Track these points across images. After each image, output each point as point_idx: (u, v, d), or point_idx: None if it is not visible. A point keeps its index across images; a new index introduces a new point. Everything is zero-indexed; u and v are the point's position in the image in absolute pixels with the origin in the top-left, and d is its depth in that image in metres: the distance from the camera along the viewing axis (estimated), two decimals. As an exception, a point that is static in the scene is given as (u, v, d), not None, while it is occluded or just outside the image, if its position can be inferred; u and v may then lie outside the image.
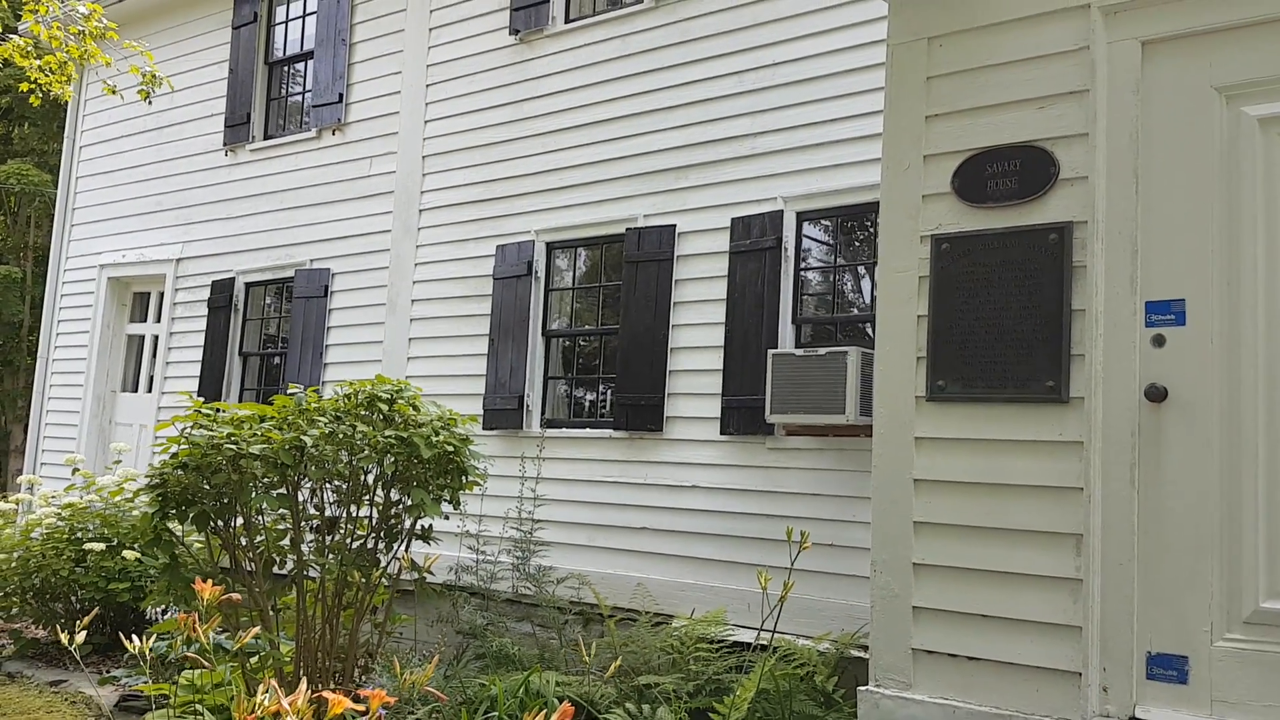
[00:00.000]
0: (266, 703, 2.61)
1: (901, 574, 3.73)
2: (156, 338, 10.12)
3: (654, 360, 6.54)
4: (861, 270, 6.08)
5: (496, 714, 4.21)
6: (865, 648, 3.97)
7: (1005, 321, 3.61)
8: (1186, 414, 3.29)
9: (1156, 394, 3.32)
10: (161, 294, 10.10)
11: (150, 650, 5.59)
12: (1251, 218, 3.25)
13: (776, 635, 4.85)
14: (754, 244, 6.16)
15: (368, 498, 5.11)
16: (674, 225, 6.54)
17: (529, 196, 7.39)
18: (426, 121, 8.15)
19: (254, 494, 4.73)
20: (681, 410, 6.43)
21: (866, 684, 3.78)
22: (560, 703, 2.85)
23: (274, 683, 2.83)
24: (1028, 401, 3.54)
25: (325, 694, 2.53)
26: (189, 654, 4.34)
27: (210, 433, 4.67)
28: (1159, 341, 3.35)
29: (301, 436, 4.68)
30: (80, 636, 3.94)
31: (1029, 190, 3.59)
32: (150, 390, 10.03)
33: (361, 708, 2.56)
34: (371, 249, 8.36)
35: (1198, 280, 3.31)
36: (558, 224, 7.21)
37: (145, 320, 10.44)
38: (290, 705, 2.54)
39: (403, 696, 4.22)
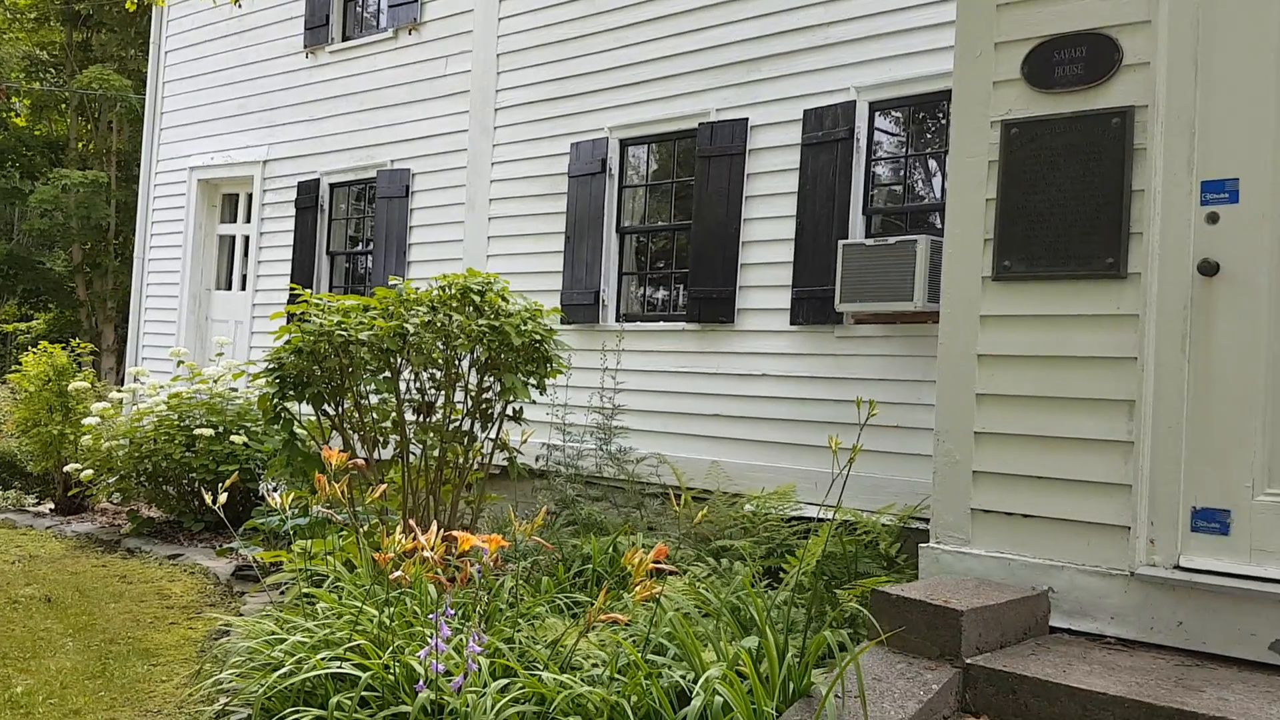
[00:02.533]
0: (405, 540, 3.02)
1: (963, 441, 4.02)
2: (247, 238, 10.62)
3: (726, 254, 6.79)
4: (931, 162, 6.22)
5: (590, 566, 4.65)
6: (926, 520, 4.29)
7: (1069, 203, 3.80)
8: (1236, 287, 3.48)
9: (1209, 268, 3.51)
10: (250, 195, 10.56)
11: (262, 525, 6.14)
12: (1309, 98, 3.39)
13: (844, 511, 5.20)
14: (826, 135, 6.33)
15: (461, 384, 5.53)
16: (746, 119, 6.72)
17: (602, 93, 7.59)
18: (500, 19, 8.34)
19: (364, 376, 5.16)
20: (752, 302, 6.70)
21: (928, 543, 4.11)
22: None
23: (411, 522, 3.24)
24: (1088, 278, 3.75)
25: (455, 533, 2.94)
26: (316, 516, 4.80)
27: (321, 320, 5.08)
28: (1213, 219, 3.53)
29: (404, 324, 5.07)
30: (222, 498, 4.43)
31: (1094, 76, 3.74)
32: (244, 288, 10.58)
33: (487, 543, 2.96)
34: (449, 149, 8.65)
35: (1251, 161, 3.46)
36: (630, 120, 7.42)
37: (235, 221, 10.94)
38: (426, 540, 2.95)
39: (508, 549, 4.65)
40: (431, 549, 2.91)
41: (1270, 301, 3.43)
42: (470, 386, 5.53)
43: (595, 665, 3.28)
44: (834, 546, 5.00)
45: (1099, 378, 3.72)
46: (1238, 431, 3.48)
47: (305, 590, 3.95)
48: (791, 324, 6.47)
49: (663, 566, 3.30)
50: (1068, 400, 3.79)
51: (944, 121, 6.02)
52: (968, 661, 3.34)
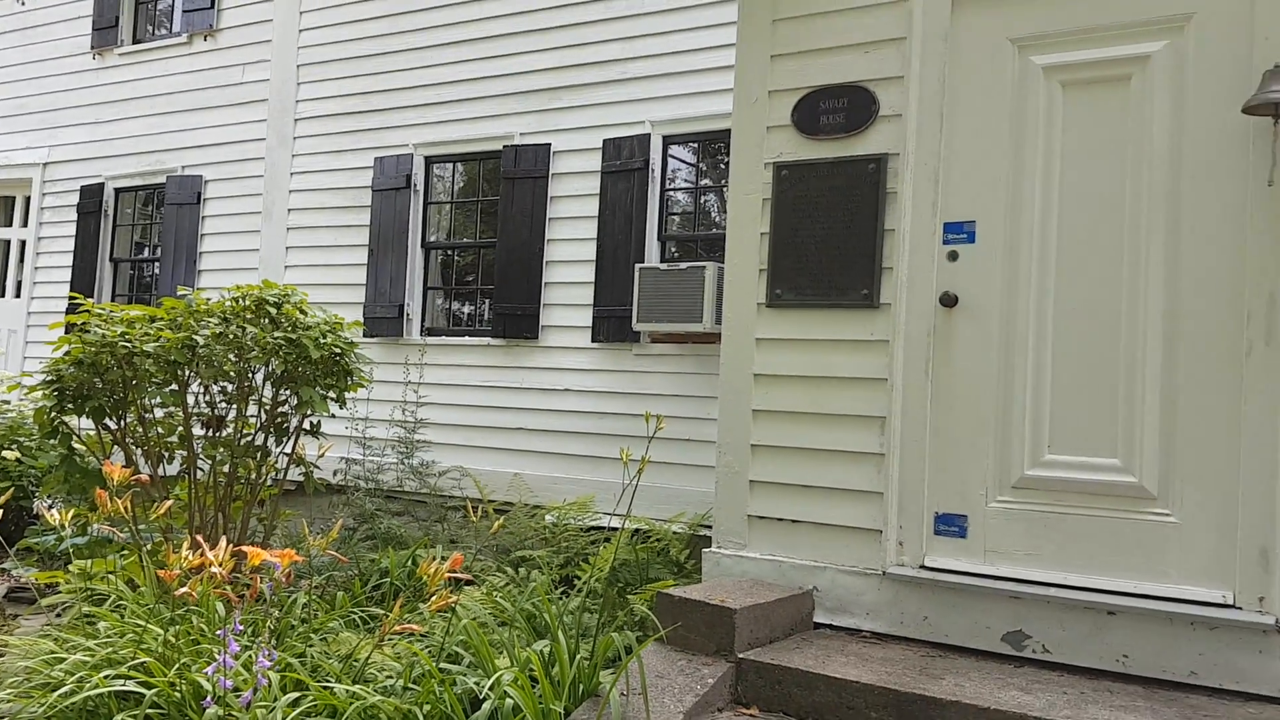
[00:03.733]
0: (192, 556, 3.02)
1: (741, 453, 4.35)
2: (24, 242, 9.95)
3: (530, 272, 6.98)
4: (721, 193, 6.62)
5: (388, 580, 4.70)
6: (711, 526, 4.60)
7: (832, 239, 4.20)
8: (973, 318, 3.95)
9: (949, 301, 3.97)
10: (28, 198, 9.91)
11: (38, 544, 5.83)
12: (1033, 153, 3.89)
13: (638, 520, 5.48)
14: (624, 164, 6.63)
15: (254, 397, 5.44)
16: (549, 144, 6.94)
17: (407, 110, 7.64)
18: (301, 30, 8.24)
19: (149, 389, 5.02)
20: (556, 320, 6.92)
21: (711, 548, 4.41)
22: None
23: (199, 537, 3.23)
24: (847, 307, 4.15)
25: (245, 548, 2.97)
26: (96, 534, 4.63)
27: (103, 331, 4.91)
28: (953, 257, 3.99)
29: (193, 336, 4.97)
30: (-9, 517, 4.20)
31: (854, 125, 4.16)
32: (19, 295, 9.91)
33: (279, 558, 3.00)
34: (246, 157, 8.46)
35: (987, 206, 3.95)
36: (436, 138, 7.50)
37: (11, 225, 10.23)
38: (214, 556, 2.96)
39: (302, 565, 4.64)
40: (220, 565, 2.93)
41: (1000, 331, 3.91)
42: (265, 400, 5.46)
43: (390, 677, 3.36)
44: (628, 554, 5.25)
45: (856, 396, 4.12)
46: (973, 445, 3.94)
47: (86, 610, 3.83)
48: (593, 341, 6.71)
49: (460, 575, 3.43)
50: (830, 416, 4.18)
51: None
52: (740, 656, 3.63)
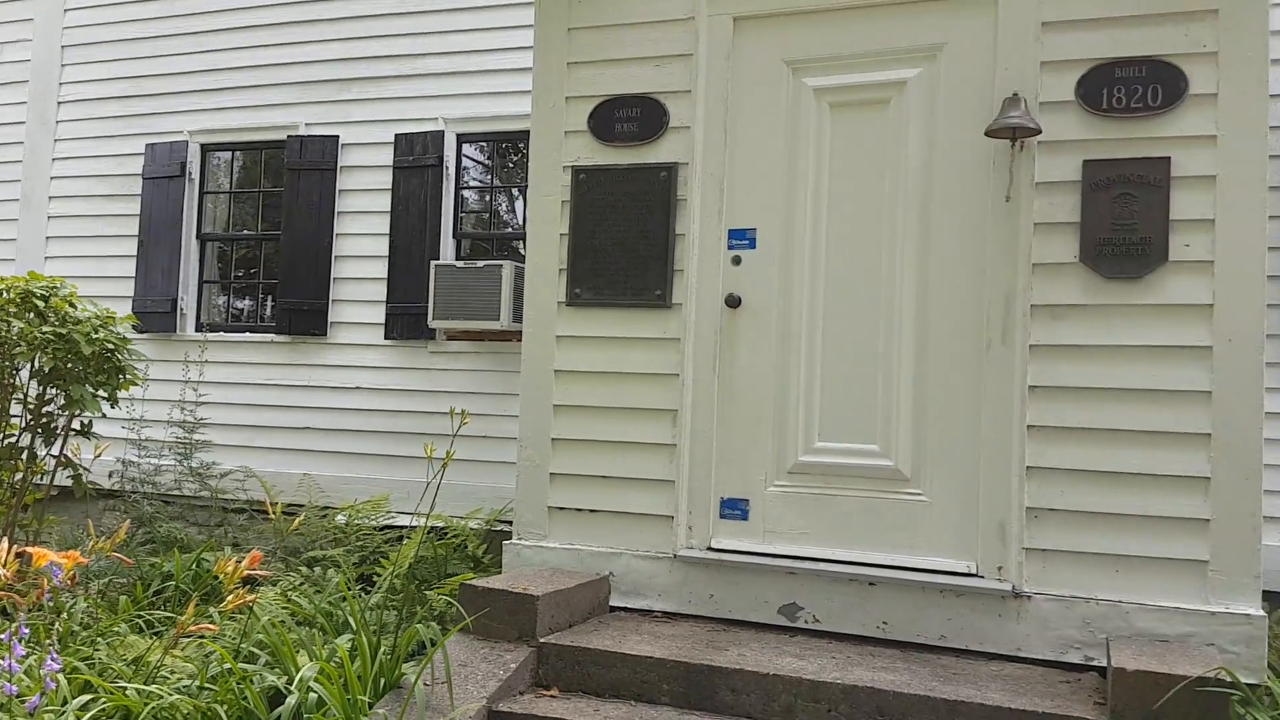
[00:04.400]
0: (-34, 562, 2.85)
1: (542, 447, 4.49)
2: None
3: (318, 267, 6.84)
4: (516, 191, 6.73)
5: (173, 584, 4.53)
6: (510, 522, 4.71)
7: (628, 241, 4.41)
8: (754, 318, 4.27)
9: (734, 302, 4.26)
10: None
11: None
12: (806, 167, 4.24)
13: (436, 517, 5.52)
14: (417, 160, 6.61)
15: (18, 395, 5.10)
16: (337, 136, 6.82)
17: (182, 96, 7.30)
18: (66, 10, 7.71)
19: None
20: (346, 316, 6.81)
21: (511, 540, 4.53)
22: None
23: (-26, 543, 3.05)
24: (642, 306, 4.38)
25: (29, 549, 2.84)
26: None
27: None
28: (737, 261, 4.30)
29: (-51, 331, 4.61)
30: None
31: (647, 134, 4.38)
32: None
33: (63, 560, 2.89)
34: (2, 141, 7.82)
35: (766, 214, 4.27)
36: (214, 125, 7.21)
37: None
38: (-6, 561, 2.81)
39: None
40: (4, 566, 2.78)
41: (778, 330, 4.24)
42: (29, 399, 5.13)
43: (184, 678, 3.29)
44: (426, 551, 5.28)
45: (651, 391, 4.35)
46: (754, 434, 4.25)
47: None
48: (385, 339, 6.66)
49: (257, 572, 3.39)
50: (627, 410, 4.39)
51: (528, 157, 6.55)
52: (542, 641, 3.78)
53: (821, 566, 4.04)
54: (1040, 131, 3.77)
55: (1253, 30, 3.60)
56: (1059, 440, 3.79)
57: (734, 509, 4.27)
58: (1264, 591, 4.60)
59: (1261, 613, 3.53)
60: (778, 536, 4.20)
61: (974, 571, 3.89)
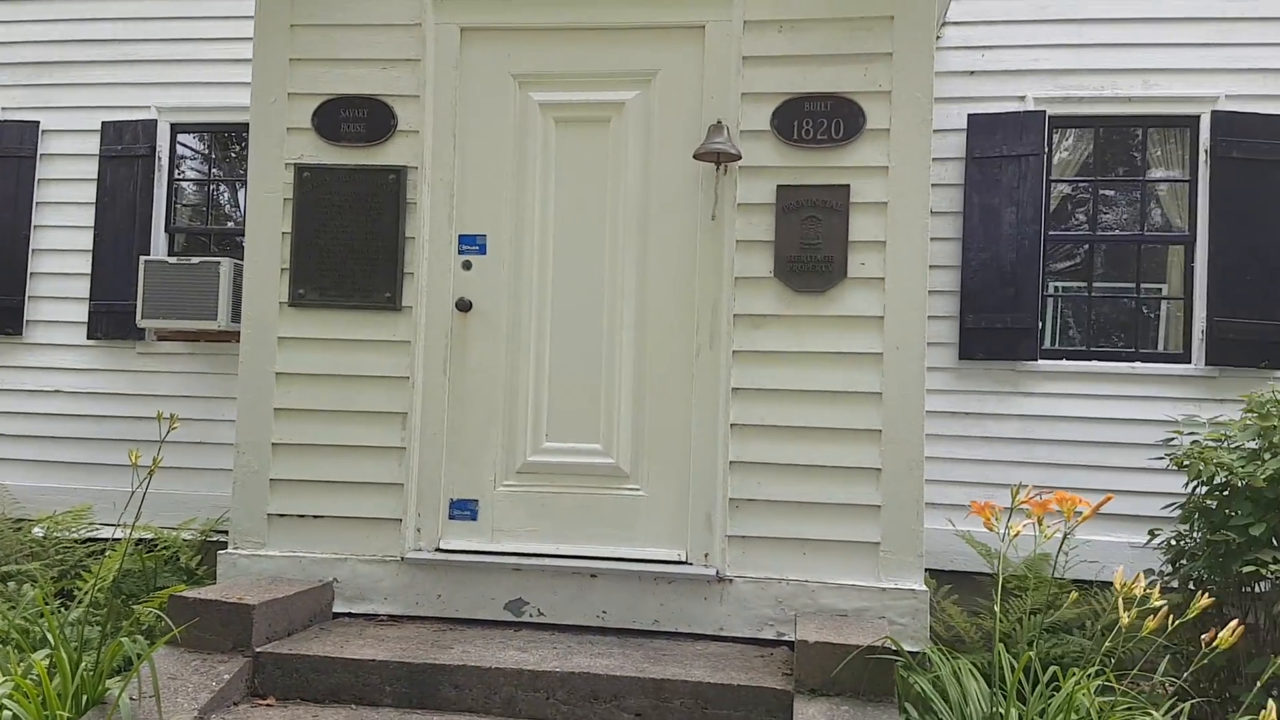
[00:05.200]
0: None
1: (262, 452, 4.38)
2: None
3: (13, 262, 6.30)
4: (238, 185, 6.48)
5: None
6: (227, 531, 4.56)
7: (355, 243, 4.39)
8: (484, 322, 4.38)
9: (464, 305, 4.36)
10: None
11: None
12: (534, 177, 4.40)
13: (145, 528, 5.24)
14: (126, 150, 6.23)
15: None
16: (38, 122, 6.32)
17: None
18: None
19: None
20: (45, 314, 6.31)
21: (227, 549, 4.39)
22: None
23: None
24: (371, 308, 4.38)
25: None
26: None
27: None
28: (467, 266, 4.39)
29: None
30: None
31: (374, 136, 4.39)
32: None
33: None
34: None
35: (496, 221, 4.39)
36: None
37: None
38: None
39: None
40: None
41: (508, 334, 4.37)
42: None
43: None
44: (134, 564, 5.01)
45: (380, 394, 4.36)
46: (485, 436, 4.36)
47: None
48: (89, 338, 6.23)
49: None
50: (355, 413, 4.37)
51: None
52: (258, 650, 3.71)
53: (546, 562, 4.21)
54: (740, 157, 4.13)
55: (921, 72, 4.11)
56: (757, 437, 4.16)
57: (463, 510, 4.36)
58: (931, 570, 5.25)
59: (925, 588, 4.03)
60: (506, 535, 4.33)
61: (684, 559, 4.19)
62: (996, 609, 3.14)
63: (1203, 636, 2.90)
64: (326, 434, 4.38)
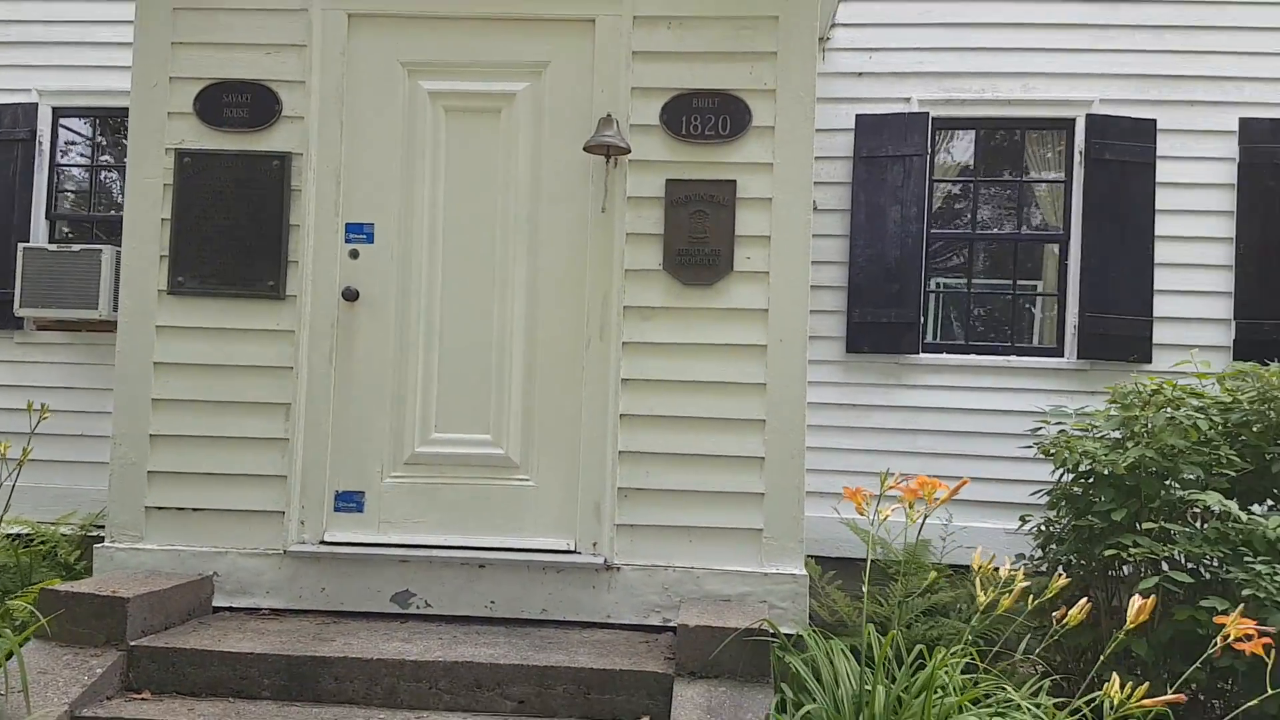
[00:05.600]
0: None
1: (139, 444, 4.28)
2: None
3: (-124, 245, 6.01)
4: (123, 173, 6.29)
5: None
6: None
7: (238, 230, 4.31)
8: (372, 311, 4.34)
9: (351, 295, 4.32)
10: None
11: None
12: (423, 166, 4.37)
13: (21, 522, 5.07)
14: (6, 134, 6.00)
15: None
16: (-96, 101, 6.04)
17: None
18: None
19: None
20: (-89, 301, 6.03)
21: (104, 543, 4.27)
22: None
23: None
24: (253, 297, 4.31)
25: None
26: None
27: None
28: (355, 255, 4.35)
29: None
30: None
31: (258, 121, 4.32)
32: None
33: None
34: None
35: (384, 210, 4.36)
36: None
37: None
38: None
39: None
40: None
41: (397, 324, 4.34)
42: None
43: None
44: (8, 558, 4.84)
45: (262, 384, 4.29)
46: (372, 427, 4.33)
47: None
48: (-38, 328, 5.98)
49: None
50: (236, 404, 4.30)
51: (137, 135, 6.16)
52: (133, 644, 3.63)
53: (434, 553, 4.20)
54: (630, 151, 4.17)
55: (804, 72, 4.20)
56: (646, 427, 4.21)
57: (349, 501, 4.32)
58: (819, 557, 5.38)
59: (805, 573, 4.14)
60: (393, 527, 4.31)
61: (573, 549, 4.22)
62: (865, 590, 3.24)
63: (1054, 614, 3.05)
64: (207, 425, 4.30)
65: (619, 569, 4.16)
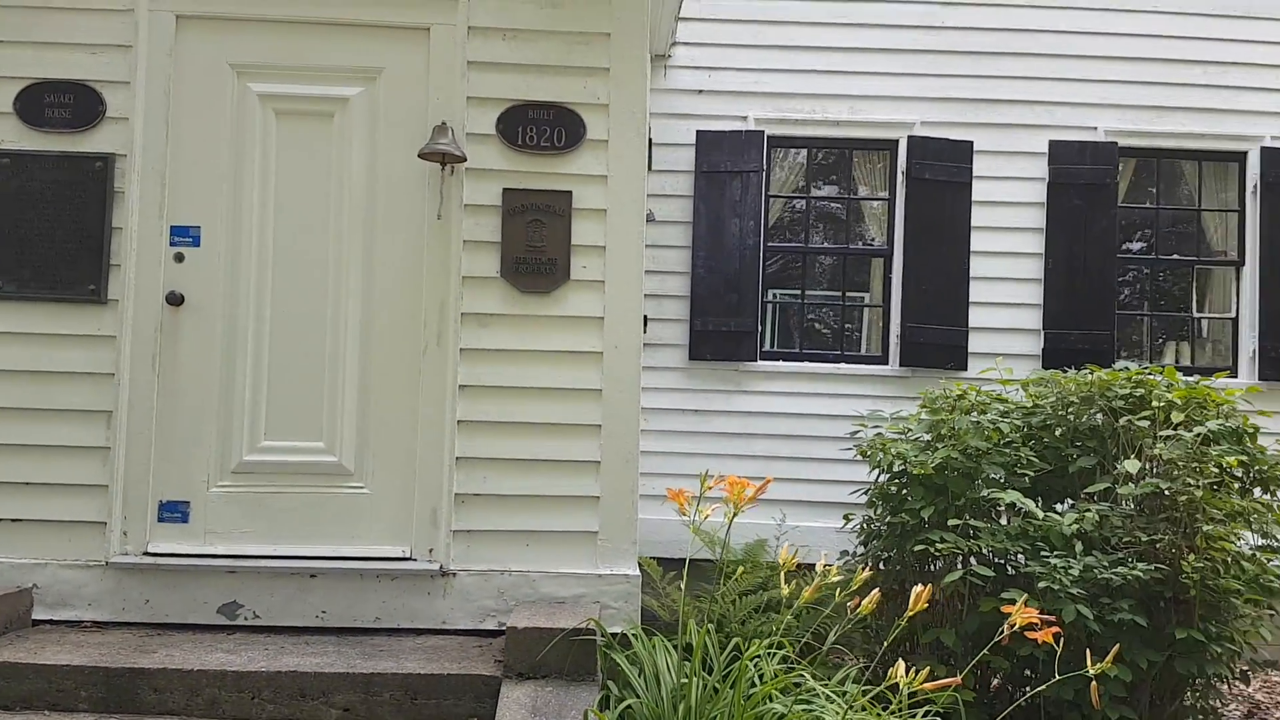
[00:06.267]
0: None
1: (-53, 455, 4.09)
2: None
3: None
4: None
5: None
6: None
7: (57, 232, 4.17)
8: (199, 316, 4.26)
9: (176, 299, 4.23)
10: None
11: None
12: (253, 170, 4.31)
13: None
14: None
15: None
16: None
17: None
18: None
19: None
20: None
21: (-94, 558, 4.06)
22: None
23: None
24: (73, 302, 4.17)
25: None
26: None
27: None
28: (180, 259, 4.26)
29: None
30: None
31: (81, 122, 4.19)
32: None
33: None
34: None
35: (211, 213, 4.28)
36: None
37: None
38: None
39: None
40: None
41: (224, 329, 4.27)
42: None
43: None
44: None
45: (83, 391, 4.16)
46: (198, 435, 4.24)
47: None
48: None
49: None
50: (55, 411, 4.15)
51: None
52: (-67, 663, 3.47)
53: (263, 564, 4.14)
54: (466, 159, 4.23)
55: (636, 88, 4.34)
56: (483, 433, 4.26)
57: (174, 512, 4.22)
58: (662, 558, 5.52)
59: (637, 573, 4.26)
60: (219, 537, 4.23)
61: (408, 556, 4.23)
62: (682, 589, 3.38)
63: (848, 604, 3.24)
64: (24, 434, 4.14)
65: (455, 575, 4.20)
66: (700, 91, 6.03)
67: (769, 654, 3.65)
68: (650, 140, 5.83)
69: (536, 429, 4.28)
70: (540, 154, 4.31)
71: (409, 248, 4.32)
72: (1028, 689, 4.39)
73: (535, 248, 4.29)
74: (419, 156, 4.18)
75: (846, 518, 4.83)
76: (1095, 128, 6.09)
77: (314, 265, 4.32)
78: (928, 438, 4.60)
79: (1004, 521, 4.44)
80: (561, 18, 4.31)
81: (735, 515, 3.26)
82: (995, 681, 4.55)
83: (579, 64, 4.33)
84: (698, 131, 5.96)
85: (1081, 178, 6.05)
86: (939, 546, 4.23)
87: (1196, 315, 6.49)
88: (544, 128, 4.30)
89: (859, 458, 4.81)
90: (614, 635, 3.88)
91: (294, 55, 4.32)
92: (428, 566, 4.18)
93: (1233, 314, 6.26)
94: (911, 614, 3.08)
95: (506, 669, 3.60)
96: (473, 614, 4.18)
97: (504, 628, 4.13)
